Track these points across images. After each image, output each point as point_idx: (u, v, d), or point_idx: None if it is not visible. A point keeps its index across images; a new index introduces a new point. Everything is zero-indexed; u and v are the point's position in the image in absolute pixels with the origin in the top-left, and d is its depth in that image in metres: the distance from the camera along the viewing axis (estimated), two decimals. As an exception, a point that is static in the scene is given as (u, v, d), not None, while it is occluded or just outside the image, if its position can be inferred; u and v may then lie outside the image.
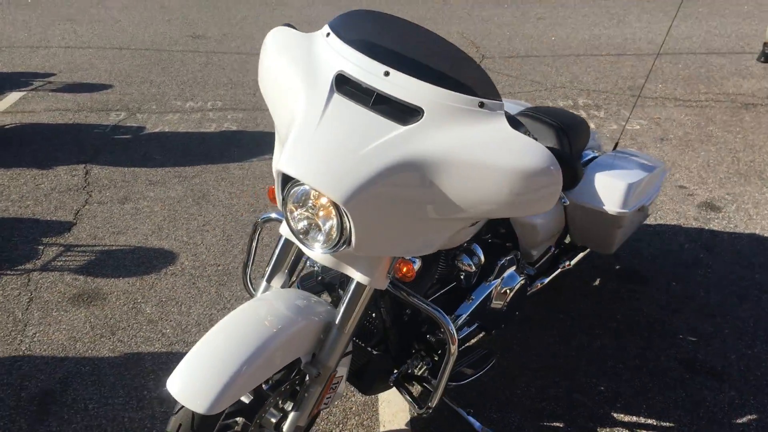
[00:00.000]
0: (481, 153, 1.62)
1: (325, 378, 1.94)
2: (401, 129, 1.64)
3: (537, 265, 2.74)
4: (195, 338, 2.79)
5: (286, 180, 1.72)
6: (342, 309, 1.88)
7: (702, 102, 5.33)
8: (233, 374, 1.68)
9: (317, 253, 1.77)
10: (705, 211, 3.80)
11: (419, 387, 2.21)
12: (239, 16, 8.03)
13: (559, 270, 2.84)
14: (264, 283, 2.04)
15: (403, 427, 2.39)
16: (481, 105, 1.66)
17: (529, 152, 1.61)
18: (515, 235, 2.56)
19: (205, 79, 5.88)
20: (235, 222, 3.66)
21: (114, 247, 3.42)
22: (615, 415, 2.44)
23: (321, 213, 1.73)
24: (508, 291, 2.40)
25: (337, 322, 1.89)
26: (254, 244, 2.26)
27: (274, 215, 2.22)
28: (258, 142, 4.66)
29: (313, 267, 2.37)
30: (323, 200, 1.66)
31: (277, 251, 2.01)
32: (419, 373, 2.27)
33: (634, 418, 2.42)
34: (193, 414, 1.76)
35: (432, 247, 1.82)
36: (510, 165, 1.60)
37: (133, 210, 3.78)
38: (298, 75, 1.80)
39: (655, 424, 2.40)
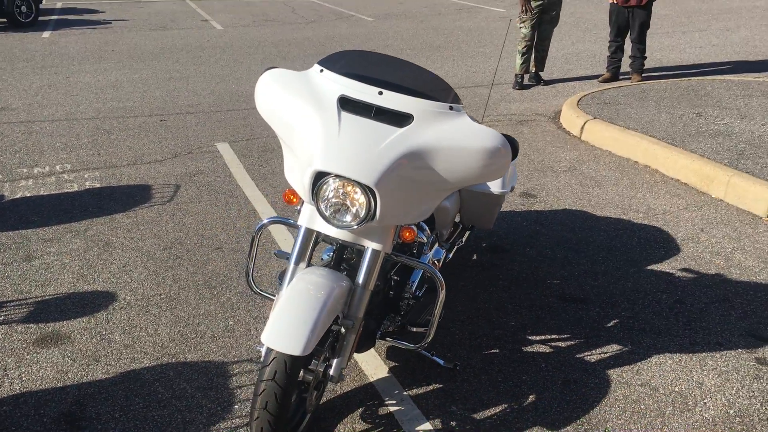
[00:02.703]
0: (457, 140, 2.42)
1: (357, 328, 2.57)
2: (399, 130, 2.38)
3: (446, 243, 3.57)
4: (179, 349, 3.19)
5: (317, 179, 2.35)
6: (363, 271, 2.54)
7: (487, 122, 6.60)
8: (313, 323, 2.28)
9: (342, 230, 2.41)
10: (526, 199, 4.92)
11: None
12: (34, 87, 8.02)
13: (456, 247, 3.70)
14: (292, 266, 2.61)
15: (387, 374, 3.05)
16: (451, 108, 2.46)
17: (488, 136, 2.44)
18: (432, 219, 3.37)
19: (38, 146, 5.97)
20: (153, 260, 4.03)
21: (47, 297, 3.65)
22: (528, 338, 3.31)
23: (350, 197, 2.39)
24: (436, 262, 3.19)
25: (361, 282, 2.54)
26: (255, 248, 2.81)
27: (265, 221, 2.79)
28: (131, 194, 4.98)
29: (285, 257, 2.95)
30: (352, 187, 2.30)
31: (299, 242, 2.60)
32: (393, 329, 2.95)
33: (541, 337, 3.32)
34: (285, 360, 2.30)
35: (426, 214, 2.57)
36: (478, 146, 2.41)
37: (44, 265, 3.98)
38: (307, 103, 2.47)
39: (557, 337, 3.32)
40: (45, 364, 3.09)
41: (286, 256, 2.94)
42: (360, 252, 2.70)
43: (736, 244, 4.17)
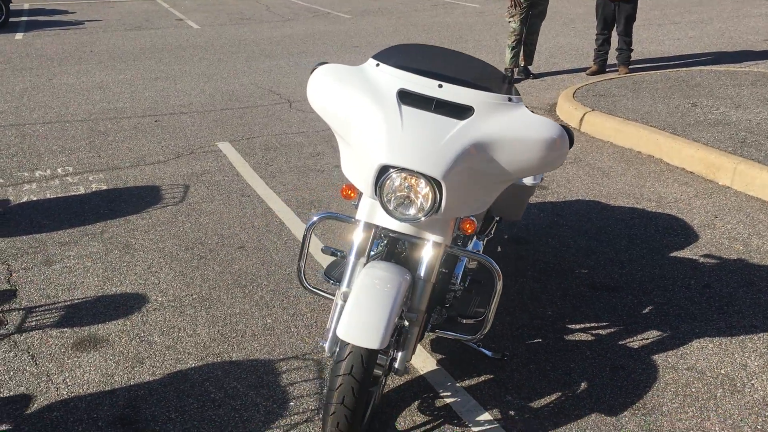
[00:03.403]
0: (517, 131, 2.44)
1: (421, 321, 2.58)
2: (461, 123, 2.39)
3: (481, 236, 3.59)
4: (222, 348, 3.17)
5: (381, 173, 2.35)
6: (425, 264, 2.54)
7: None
8: (387, 317, 2.29)
9: (404, 224, 2.42)
10: (538, 190, 4.97)
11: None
12: (17, 89, 7.85)
13: (486, 239, 3.73)
14: (352, 261, 2.61)
15: (436, 367, 3.07)
16: (509, 99, 2.49)
17: (548, 127, 2.47)
18: None
19: (34, 149, 5.86)
20: (178, 261, 3.99)
21: (77, 300, 3.59)
22: (567, 326, 3.35)
23: (414, 190, 2.40)
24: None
25: (423, 275, 2.55)
26: (307, 246, 2.80)
27: (315, 218, 2.77)
28: (141, 196, 4.92)
29: (336, 255, 2.96)
30: (416, 180, 2.31)
31: (359, 237, 2.59)
32: (440, 322, 2.96)
33: (580, 325, 3.36)
34: (361, 355, 2.30)
35: (485, 206, 2.59)
36: (538, 136, 2.44)
37: (66, 269, 3.92)
38: (366, 97, 2.47)
39: (596, 325, 3.37)
40: (88, 368, 3.04)
41: (333, 251, 2.93)
42: (413, 245, 2.70)
43: (751, 230, 4.27)
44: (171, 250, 4.10)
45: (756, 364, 3.01)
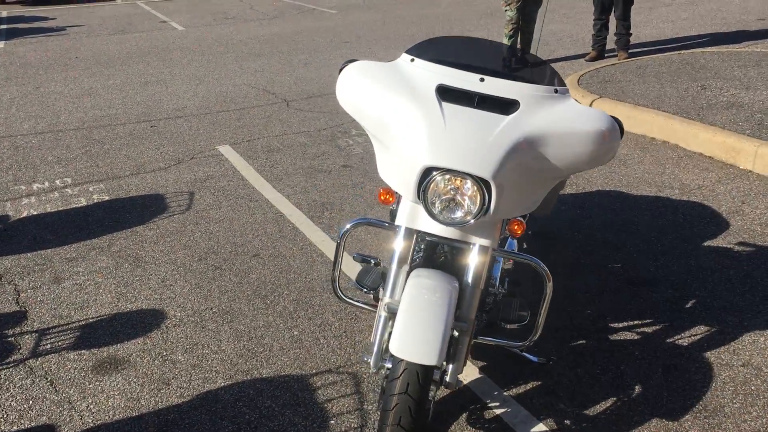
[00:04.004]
0: (567, 124, 2.28)
1: (470, 330, 2.42)
2: (507, 118, 2.23)
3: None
4: (251, 365, 3.00)
5: (425, 175, 2.18)
6: (473, 270, 2.38)
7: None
8: (443, 330, 2.13)
9: (450, 228, 2.25)
10: (557, 182, 4.82)
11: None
12: (5, 99, 7.62)
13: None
14: (395, 269, 2.44)
15: (479, 375, 2.91)
16: (556, 91, 2.33)
17: (598, 118, 2.31)
18: None
19: (28, 161, 5.64)
20: (192, 272, 3.81)
21: (91, 320, 3.40)
22: (610, 325, 3.21)
23: (460, 192, 2.23)
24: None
25: (470, 281, 2.39)
26: (341, 255, 2.62)
27: (349, 226, 2.60)
28: (145, 205, 4.73)
29: (368, 262, 2.80)
30: (461, 182, 2.14)
31: (400, 244, 2.42)
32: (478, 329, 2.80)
33: (623, 324, 3.22)
34: (417, 371, 2.14)
35: (535, 205, 2.43)
36: (589, 129, 2.29)
37: (76, 286, 3.72)
38: (402, 95, 2.30)
39: (639, 322, 3.22)
40: (112, 393, 2.86)
41: (364, 258, 2.77)
42: (456, 249, 2.54)
43: (781, 214, 4.14)
44: (183, 261, 3.91)
45: (813, 356, 2.88)
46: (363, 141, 5.77)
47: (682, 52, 7.80)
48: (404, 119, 2.27)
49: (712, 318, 3.18)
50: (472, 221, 2.21)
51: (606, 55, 8.21)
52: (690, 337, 3.05)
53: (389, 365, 2.29)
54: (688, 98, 5.95)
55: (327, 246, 4.00)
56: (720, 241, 3.87)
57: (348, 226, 2.59)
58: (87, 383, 2.93)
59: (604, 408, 2.65)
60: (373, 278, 2.89)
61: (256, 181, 5.04)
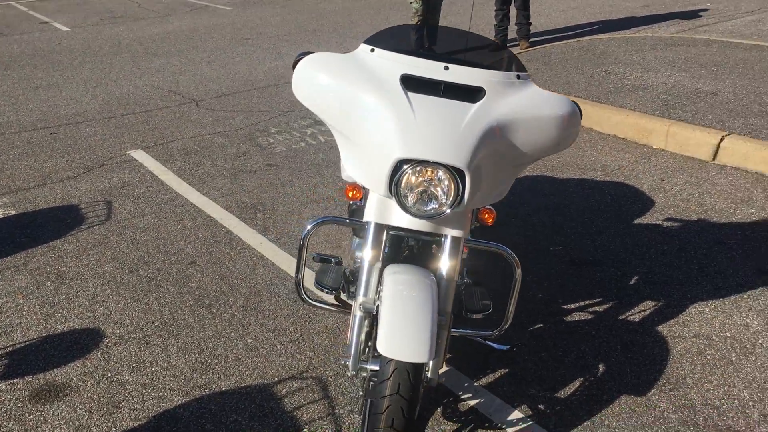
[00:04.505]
0: (532, 110, 2.29)
1: (449, 323, 2.38)
2: (475, 106, 2.22)
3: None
4: (207, 378, 2.85)
5: (396, 169, 2.13)
6: (448, 262, 2.35)
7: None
8: (430, 325, 2.08)
9: (423, 221, 2.21)
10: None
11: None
12: None
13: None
14: (367, 267, 2.37)
15: (446, 368, 2.88)
16: (518, 77, 2.33)
17: (561, 103, 2.33)
18: None
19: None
20: (124, 286, 3.59)
21: (18, 345, 3.15)
22: (563, 307, 3.26)
23: (434, 183, 2.20)
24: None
25: (445, 273, 2.35)
26: (305, 256, 2.53)
27: (310, 226, 2.51)
28: (59, 218, 4.43)
29: (329, 262, 2.73)
30: (432, 172, 2.10)
31: (370, 240, 2.35)
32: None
33: (575, 305, 3.28)
34: (408, 370, 2.08)
35: (504, 193, 2.42)
36: (553, 114, 2.30)
37: (-5, 310, 3.44)
38: (366, 87, 2.24)
39: (590, 302, 3.29)
40: (57, 422, 2.64)
41: (324, 258, 2.69)
42: (421, 242, 2.50)
43: (700, 189, 4.35)
44: (113, 274, 3.68)
45: (756, 322, 3.02)
46: (284, 139, 5.64)
47: (580, 39, 8.07)
48: (371, 112, 2.20)
49: (657, 292, 3.28)
50: (448, 212, 2.17)
51: (508, 44, 8.38)
52: (640, 312, 3.14)
53: (373, 366, 2.22)
54: (596, 83, 6.15)
55: (266, 248, 3.87)
56: (649, 218, 4.01)
57: (309, 226, 2.50)
58: (27, 414, 2.69)
59: (574, 389, 2.68)
60: (333, 277, 2.80)
61: (178, 186, 4.82)
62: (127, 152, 5.50)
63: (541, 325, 3.08)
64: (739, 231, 3.82)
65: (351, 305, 2.74)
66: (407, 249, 2.58)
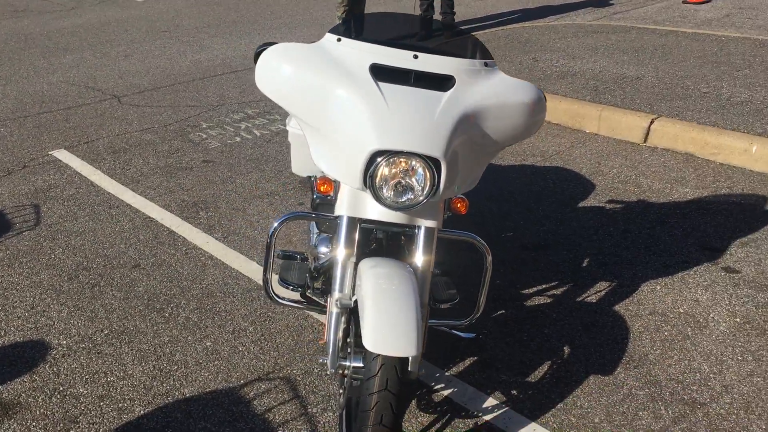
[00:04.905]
0: (501, 97, 2.30)
1: (426, 315, 2.37)
2: (446, 94, 2.21)
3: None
4: (169, 386, 2.75)
5: (371, 160, 2.10)
6: (422, 253, 2.33)
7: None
8: (415, 318, 2.06)
9: (398, 212, 2.19)
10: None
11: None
12: None
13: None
14: (341, 262, 2.32)
15: (413, 359, 2.86)
16: (485, 64, 2.33)
17: (528, 89, 2.35)
18: None
19: None
20: (66, 294, 3.41)
21: (-42, 363, 2.95)
22: (521, 293, 3.30)
23: (409, 174, 2.18)
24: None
25: (421, 265, 2.34)
26: (273, 254, 2.46)
27: (276, 224, 2.45)
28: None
29: (295, 258, 2.68)
30: (406, 163, 2.09)
31: (343, 235, 2.30)
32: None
33: (533, 289, 3.33)
34: (395, 366, 2.05)
35: (475, 182, 2.42)
36: (521, 100, 2.32)
37: (-75, 326, 3.21)
38: (334, 78, 2.19)
39: (547, 286, 3.34)
40: (12, 444, 2.48)
41: (288, 255, 2.64)
42: (390, 234, 2.47)
43: (635, 171, 4.49)
44: (51, 282, 3.49)
45: (705, 297, 3.14)
46: (218, 134, 5.48)
47: (504, 27, 8.19)
48: (341, 103, 2.15)
49: (609, 273, 3.36)
50: (424, 200, 2.15)
51: (432, 33, 8.40)
52: (596, 293, 3.21)
53: (355, 363, 2.18)
54: (525, 70, 6.25)
55: (214, 247, 3.75)
56: (591, 201, 4.11)
57: (276, 224, 2.43)
58: (-24, 436, 2.51)
59: (543, 373, 2.71)
60: (298, 274, 2.74)
61: (109, 186, 4.61)
62: (50, 152, 5.23)
63: (503, 311, 3.11)
64: (678, 210, 3.95)
65: (317, 302, 2.70)
66: (375, 242, 2.54)
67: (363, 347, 2.19)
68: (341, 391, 2.37)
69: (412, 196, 2.15)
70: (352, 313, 2.31)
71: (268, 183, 4.55)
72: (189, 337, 3.02)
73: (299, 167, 3.46)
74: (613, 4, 9.91)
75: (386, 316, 2.01)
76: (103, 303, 3.30)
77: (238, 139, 5.37)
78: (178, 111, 6.08)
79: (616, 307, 3.09)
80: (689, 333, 2.90)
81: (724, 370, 2.71)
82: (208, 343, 2.98)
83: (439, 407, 2.56)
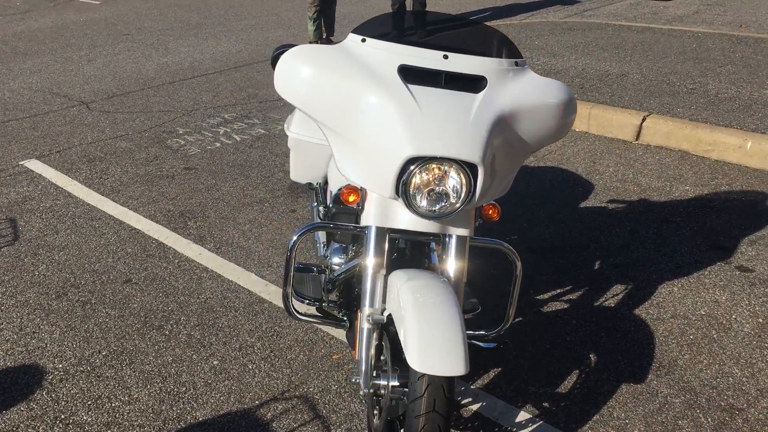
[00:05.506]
0: (533, 98, 2.20)
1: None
2: (479, 96, 2.10)
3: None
4: (180, 409, 2.57)
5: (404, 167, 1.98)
6: (455, 263, 2.21)
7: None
8: (461, 334, 1.94)
9: (429, 222, 2.09)
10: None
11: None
12: None
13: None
14: (371, 275, 2.19)
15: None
16: (516, 64, 2.23)
17: (560, 89, 2.26)
18: None
19: None
20: (55, 313, 3.21)
21: (-57, 393, 2.73)
22: (536, 298, 3.20)
23: (445, 181, 2.06)
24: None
25: (453, 276, 2.22)
26: (292, 266, 2.32)
27: (295, 237, 2.31)
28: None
29: (311, 271, 2.55)
30: (439, 169, 1.97)
31: (372, 246, 2.17)
32: None
33: (547, 294, 3.23)
34: (443, 385, 1.93)
35: (508, 187, 2.31)
36: (554, 100, 2.22)
37: None
38: (361, 80, 2.06)
39: (561, 290, 3.25)
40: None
41: (306, 268, 2.51)
42: (415, 244, 2.35)
43: (632, 169, 4.44)
44: (38, 301, 3.28)
45: (724, 298, 3.08)
46: (196, 140, 5.28)
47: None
48: (370, 108, 2.01)
49: (622, 275, 3.29)
50: (460, 207, 2.03)
51: (405, 33, 8.30)
52: (613, 297, 3.13)
53: (393, 382, 2.05)
54: (508, 69, 6.16)
55: (208, 259, 3.57)
56: (593, 201, 4.04)
57: (295, 237, 2.29)
58: (-26, 475, 2.31)
59: (572, 383, 2.61)
60: (313, 288, 2.60)
61: (88, 197, 4.39)
62: (20, 163, 4.98)
63: (521, 318, 3.00)
64: (681, 208, 3.90)
65: (335, 315, 2.56)
66: (396, 251, 2.41)
67: (399, 365, 2.06)
68: (375, 412, 2.23)
69: (446, 204, 2.02)
70: (384, 329, 2.18)
71: (255, 190, 4.38)
72: (194, 356, 2.85)
73: (299, 174, 3.31)
74: (580, 2, 9.94)
75: (431, 333, 1.89)
76: (97, 322, 3.11)
77: (218, 144, 5.18)
78: (152, 117, 5.86)
79: (636, 311, 3.01)
80: (714, 336, 2.84)
81: (756, 373, 2.64)
82: (215, 362, 2.81)
83: (470, 423, 2.44)
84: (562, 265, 3.40)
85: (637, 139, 4.80)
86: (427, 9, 7.98)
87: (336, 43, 7.36)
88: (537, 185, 4.27)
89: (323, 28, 7.84)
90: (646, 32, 7.28)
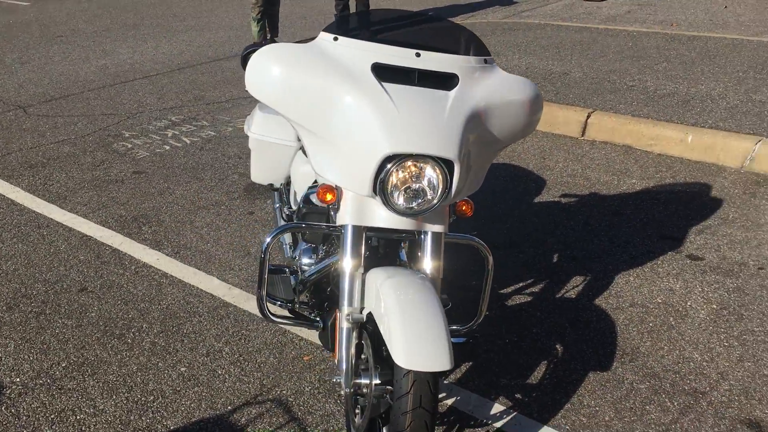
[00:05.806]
0: (503, 95, 2.25)
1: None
2: (451, 93, 2.14)
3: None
4: (149, 419, 2.53)
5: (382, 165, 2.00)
6: (431, 259, 2.24)
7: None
8: (445, 331, 1.97)
9: (404, 219, 2.10)
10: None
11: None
12: None
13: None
14: (349, 273, 2.20)
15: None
16: (485, 61, 2.28)
17: (527, 86, 2.32)
18: None
19: None
20: (8, 326, 3.10)
21: None
22: (499, 292, 3.23)
23: (421, 178, 2.09)
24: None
25: (429, 273, 2.24)
26: (266, 268, 2.31)
27: (269, 238, 2.30)
28: None
29: (284, 272, 2.55)
30: (418, 166, 1.99)
31: (349, 244, 2.18)
32: None
33: (510, 288, 3.27)
34: (428, 381, 1.95)
35: (480, 183, 2.35)
36: (523, 97, 2.28)
37: None
38: (336, 79, 2.07)
39: (523, 284, 3.30)
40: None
41: (278, 269, 2.50)
42: (388, 242, 2.37)
43: (580, 164, 4.56)
44: (-12, 313, 3.15)
45: (678, 286, 3.20)
46: (143, 143, 5.17)
47: (422, 26, 8.17)
48: (346, 106, 2.02)
49: (580, 267, 3.38)
50: (437, 204, 2.05)
51: (348, 33, 8.31)
52: (573, 288, 3.21)
53: (375, 381, 2.06)
54: (454, 68, 6.24)
55: (166, 264, 3.51)
56: (546, 196, 4.13)
57: (269, 238, 2.28)
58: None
59: (542, 373, 2.67)
60: (284, 289, 2.59)
61: (33, 204, 4.25)
62: (-44, 170, 4.77)
63: (487, 313, 3.04)
64: (630, 201, 4.03)
65: (306, 316, 2.55)
66: (369, 250, 2.42)
67: (381, 363, 2.07)
68: (357, 411, 2.23)
69: (423, 201, 2.04)
70: (362, 327, 2.18)
71: (210, 192, 4.32)
72: (160, 364, 2.79)
73: (260, 175, 3.29)
74: (517, 3, 10.13)
75: (415, 329, 1.90)
76: (53, 333, 3.01)
77: (167, 147, 5.08)
78: (94, 120, 5.70)
79: (597, 301, 3.10)
80: (672, 323, 2.94)
81: (715, 357, 2.75)
82: (182, 369, 2.76)
83: (446, 417, 2.47)
84: (523, 260, 3.47)
85: (582, 135, 4.93)
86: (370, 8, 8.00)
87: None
88: (491, 182, 4.33)
89: (267, 29, 7.77)
90: (584, 32, 7.47)
